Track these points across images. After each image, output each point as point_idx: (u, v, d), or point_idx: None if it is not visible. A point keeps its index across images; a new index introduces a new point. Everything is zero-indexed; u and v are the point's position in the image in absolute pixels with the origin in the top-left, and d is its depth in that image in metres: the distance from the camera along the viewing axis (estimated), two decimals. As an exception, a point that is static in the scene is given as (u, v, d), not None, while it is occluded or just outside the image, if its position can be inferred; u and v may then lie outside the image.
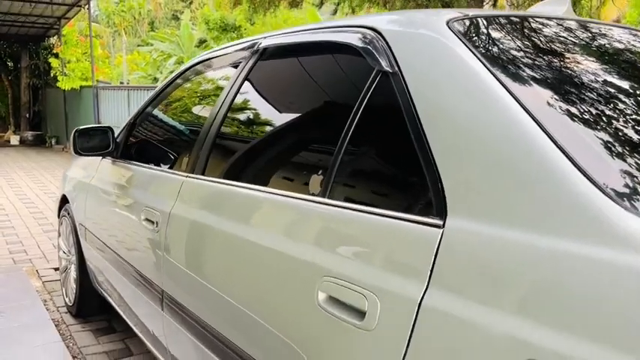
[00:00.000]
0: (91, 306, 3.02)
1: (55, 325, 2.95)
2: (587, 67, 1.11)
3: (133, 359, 2.64)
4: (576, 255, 0.74)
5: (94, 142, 2.42)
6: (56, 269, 3.89)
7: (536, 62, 1.08)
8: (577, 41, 1.26)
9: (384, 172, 1.17)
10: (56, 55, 13.23)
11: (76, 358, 2.62)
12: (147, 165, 2.16)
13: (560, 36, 1.25)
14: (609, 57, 1.25)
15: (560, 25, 1.30)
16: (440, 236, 0.91)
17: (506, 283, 0.80)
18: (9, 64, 16.50)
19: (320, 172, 1.25)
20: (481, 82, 0.97)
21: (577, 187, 0.77)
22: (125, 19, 37.34)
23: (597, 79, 1.08)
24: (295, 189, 1.31)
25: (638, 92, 1.08)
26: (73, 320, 3.09)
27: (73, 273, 3.08)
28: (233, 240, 1.42)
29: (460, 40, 1.08)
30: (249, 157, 1.61)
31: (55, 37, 14.47)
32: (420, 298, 0.90)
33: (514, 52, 1.09)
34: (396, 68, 1.14)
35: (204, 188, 1.65)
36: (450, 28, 1.12)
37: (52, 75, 13.56)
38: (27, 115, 15.70)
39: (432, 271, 0.90)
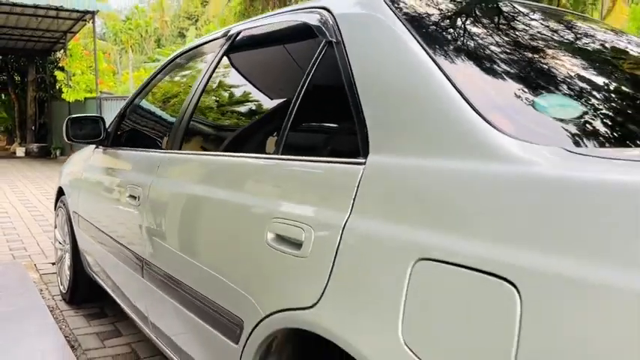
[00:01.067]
0: (83, 293, 3.16)
1: (50, 311, 3.09)
2: (496, 38, 1.26)
3: (121, 339, 2.77)
4: (464, 169, 0.88)
5: (86, 130, 2.58)
6: (53, 264, 4.03)
7: (451, 31, 1.24)
8: (494, 16, 1.41)
9: (325, 126, 1.32)
10: (62, 69, 13.54)
11: (68, 338, 2.75)
12: (134, 149, 2.32)
13: (481, 12, 1.40)
14: (519, 30, 1.39)
15: (489, 3, 1.46)
16: (362, 171, 1.06)
17: (411, 201, 0.94)
18: (16, 77, 16.86)
19: (275, 133, 1.40)
20: (402, 46, 1.12)
21: (471, 122, 0.92)
22: (132, 36, 37.95)
23: (503, 47, 1.22)
24: (252, 150, 1.46)
25: (528, 58, 1.22)
26: (67, 306, 3.23)
27: (67, 261, 3.22)
28: (199, 201, 1.57)
29: (391, 11, 1.23)
30: (215, 128, 1.77)
31: (61, 51, 14.80)
32: (343, 224, 1.04)
33: (435, 22, 1.25)
34: (340, 38, 1.29)
35: (178, 161, 1.80)
36: (387, 4, 1.28)
37: (57, 88, 13.85)
38: (33, 128, 15.99)
39: (354, 200, 1.04)
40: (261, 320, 1.21)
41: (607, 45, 1.42)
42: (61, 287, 3.36)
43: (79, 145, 3.06)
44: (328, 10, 1.40)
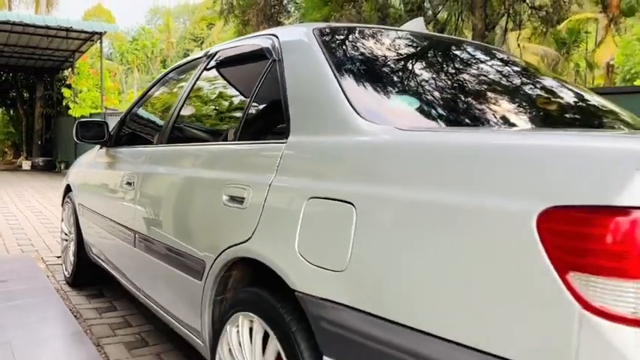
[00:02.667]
0: (85, 276, 3.61)
1: (56, 290, 3.55)
2: (375, 60, 1.75)
3: (116, 313, 3.22)
4: (337, 141, 1.36)
5: (93, 132, 3.08)
6: (58, 257, 4.49)
7: (351, 55, 1.73)
8: (379, 45, 1.90)
9: (265, 119, 1.81)
10: (69, 86, 14.16)
11: (71, 311, 3.20)
12: (132, 147, 2.81)
13: (373, 43, 1.90)
14: (392, 55, 1.88)
15: (395, 34, 1.96)
16: (284, 147, 1.54)
17: (309, 162, 1.43)
18: (24, 94, 17.50)
19: (233, 126, 1.89)
20: (317, 65, 1.61)
21: (347, 114, 1.40)
22: (138, 57, 38.82)
23: (379, 66, 1.72)
24: (218, 140, 1.96)
25: (392, 72, 1.71)
26: (70, 288, 3.68)
27: (71, 248, 3.69)
28: (178, 179, 2.06)
29: (315, 39, 1.72)
30: (192, 125, 2.27)
31: (69, 70, 15.46)
32: (270, 183, 1.52)
33: (343, 49, 1.75)
34: (281, 57, 1.79)
35: (165, 152, 2.30)
36: (313, 34, 1.77)
37: (64, 104, 14.46)
38: (39, 142, 16.57)
39: (278, 166, 1.53)
40: (217, 257, 1.68)
41: (456, 60, 1.92)
42: (66, 273, 3.82)
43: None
44: (276, 37, 1.90)
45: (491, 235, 0.94)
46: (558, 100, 1.86)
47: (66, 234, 3.90)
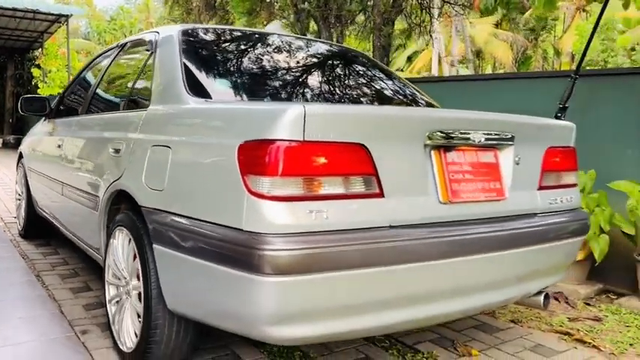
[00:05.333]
0: (35, 229, 4.28)
1: (10, 241, 4.22)
2: (219, 54, 2.45)
3: (58, 256, 3.91)
4: (172, 108, 2.07)
5: (36, 106, 3.74)
6: (15, 217, 5.14)
7: (199, 50, 2.42)
8: (237, 41, 2.60)
9: (139, 94, 2.50)
10: (38, 66, 14.55)
11: (21, 255, 3.88)
12: (65, 118, 3.48)
13: (231, 39, 2.59)
14: (231, 49, 2.57)
15: (243, 34, 2.66)
16: (145, 113, 2.24)
17: (159, 123, 2.13)
18: (-5, 73, 17.79)
19: (120, 100, 2.58)
20: (173, 55, 2.30)
21: (180, 89, 2.10)
22: (116, 36, 38.63)
23: (219, 57, 2.42)
24: (111, 110, 2.66)
25: (225, 62, 2.42)
26: (22, 240, 4.35)
27: (23, 206, 4.36)
28: (85, 139, 2.76)
29: (176, 38, 2.41)
30: (99, 99, 2.97)
31: (39, 50, 15.81)
32: (135, 138, 2.22)
33: (193, 46, 2.43)
34: (156, 49, 2.47)
35: (82, 120, 2.99)
36: (178, 31, 2.46)
37: (33, 84, 14.85)
38: (10, 120, 16.92)
39: (140, 126, 2.23)
40: (104, 192, 2.39)
41: (281, 52, 2.62)
42: (19, 227, 4.49)
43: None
44: (158, 33, 2.59)
45: (221, 157, 1.66)
46: (351, 81, 2.59)
47: (19, 194, 4.56)
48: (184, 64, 2.23)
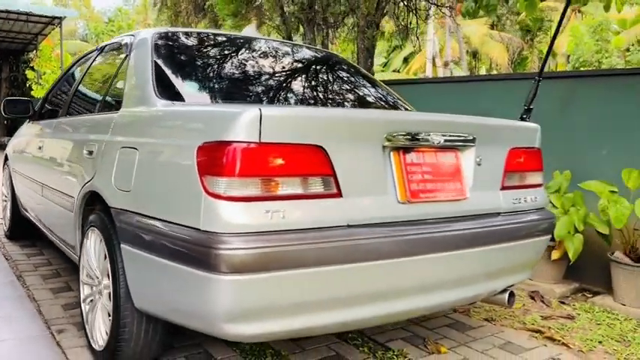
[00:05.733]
0: (20, 229, 4.30)
1: (-6, 242, 4.26)
2: (189, 59, 2.49)
3: (42, 257, 3.94)
4: (143, 111, 2.11)
5: (19, 108, 3.77)
6: (1, 218, 5.16)
7: (169, 54, 2.46)
8: (209, 45, 2.63)
9: (113, 97, 2.54)
10: (32, 68, 14.58)
11: (4, 255, 3.91)
12: (47, 120, 3.51)
13: (203, 43, 2.63)
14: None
15: (215, 38, 2.70)
16: (116, 115, 2.28)
17: (128, 125, 2.17)
18: (-10, 75, 17.79)
19: (95, 102, 2.62)
20: (145, 58, 2.34)
21: (150, 92, 2.14)
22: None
23: (190, 62, 2.46)
24: (87, 112, 2.70)
25: (197, 67, 2.46)
26: (7, 240, 4.39)
27: (8, 207, 4.39)
28: (62, 140, 2.79)
29: (150, 41, 2.45)
30: (78, 102, 3.00)
31: (33, 52, 15.83)
32: (106, 139, 2.26)
33: (165, 51, 2.46)
34: (130, 52, 2.51)
35: (62, 122, 3.02)
36: (153, 34, 2.50)
37: (28, 86, 14.88)
38: (5, 122, 16.93)
39: (111, 128, 2.27)
40: (79, 193, 2.42)
41: (252, 55, 2.66)
42: (4, 228, 4.53)
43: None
44: (133, 36, 2.63)
45: (181, 158, 1.70)
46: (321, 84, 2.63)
47: (5, 195, 4.59)
48: (155, 67, 2.27)
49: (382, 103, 2.70)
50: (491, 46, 27.93)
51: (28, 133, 3.86)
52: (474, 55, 29.17)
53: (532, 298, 3.34)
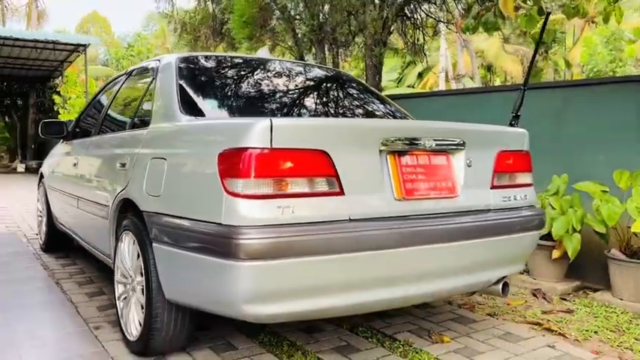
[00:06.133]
0: (55, 243, 4.63)
1: (33, 254, 4.58)
2: (210, 80, 2.79)
3: (76, 267, 4.24)
4: (169, 126, 2.40)
5: (54, 129, 4.12)
6: (37, 234, 5.52)
7: (193, 76, 2.75)
8: (228, 66, 2.93)
9: (143, 116, 2.83)
10: (59, 93, 15.21)
11: (42, 266, 4.23)
12: (81, 139, 3.84)
13: (223, 65, 2.92)
14: (221, 75, 2.90)
15: (234, 60, 2.99)
16: (146, 131, 2.57)
17: (160, 140, 2.46)
18: (18, 102, 18.56)
19: (128, 121, 2.93)
20: (171, 80, 2.64)
21: (176, 110, 2.43)
22: (133, 62, 39.70)
23: (212, 83, 2.75)
24: (119, 130, 3.01)
25: (215, 87, 2.75)
26: (44, 253, 4.71)
27: (44, 222, 4.72)
28: (97, 156, 3.10)
29: (174, 65, 2.75)
30: (111, 120, 3.31)
31: (59, 78, 16.50)
32: (137, 152, 2.55)
33: (188, 73, 2.76)
34: (157, 75, 2.82)
35: (96, 139, 3.34)
36: (176, 59, 2.80)
37: (54, 110, 15.50)
38: (32, 147, 17.60)
39: (142, 143, 2.56)
40: (113, 202, 2.71)
41: (266, 74, 2.95)
42: (40, 242, 4.86)
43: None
44: (159, 61, 2.94)
45: (205, 164, 1.98)
46: (335, 99, 2.90)
47: (40, 211, 4.93)
48: (180, 87, 2.56)
49: (382, 113, 2.96)
50: (506, 59, 28.08)
51: (62, 152, 4.20)
52: (489, 68, 29.34)
53: (534, 295, 3.52)
